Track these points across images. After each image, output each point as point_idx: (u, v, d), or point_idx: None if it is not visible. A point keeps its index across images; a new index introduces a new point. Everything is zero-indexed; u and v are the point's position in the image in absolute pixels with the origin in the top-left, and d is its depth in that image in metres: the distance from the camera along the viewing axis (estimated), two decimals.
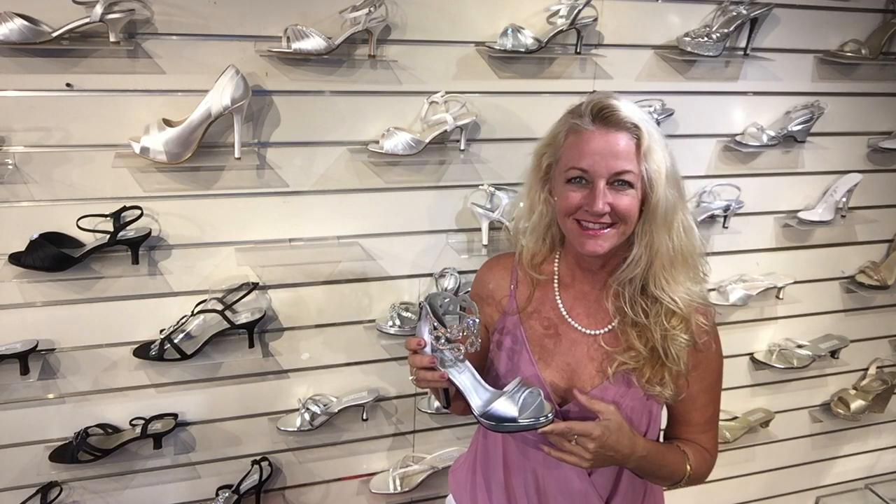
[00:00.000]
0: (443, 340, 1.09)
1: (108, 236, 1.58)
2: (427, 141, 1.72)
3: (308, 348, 1.90)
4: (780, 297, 2.22)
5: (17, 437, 1.73)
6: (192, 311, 1.70)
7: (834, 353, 2.37)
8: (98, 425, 1.76)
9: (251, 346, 1.77)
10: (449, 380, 1.10)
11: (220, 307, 1.70)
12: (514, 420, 1.07)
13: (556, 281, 1.26)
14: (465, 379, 1.12)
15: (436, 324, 1.09)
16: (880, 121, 2.22)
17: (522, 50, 1.72)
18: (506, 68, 1.81)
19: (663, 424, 1.32)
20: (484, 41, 1.76)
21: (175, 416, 1.81)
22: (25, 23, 1.42)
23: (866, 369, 2.55)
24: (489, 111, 1.82)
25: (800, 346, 2.31)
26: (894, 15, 2.09)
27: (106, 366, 1.74)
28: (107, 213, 1.59)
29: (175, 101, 1.59)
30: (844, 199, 2.19)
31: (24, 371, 1.61)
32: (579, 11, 1.73)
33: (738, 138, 2.05)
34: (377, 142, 1.73)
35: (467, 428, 2.11)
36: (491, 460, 1.34)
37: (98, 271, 1.66)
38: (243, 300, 1.74)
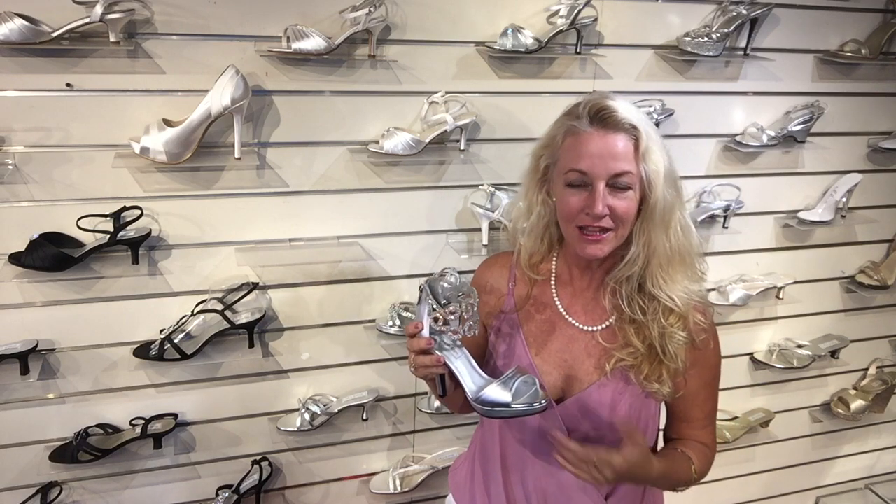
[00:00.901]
0: (441, 323, 1.09)
1: (108, 236, 1.58)
2: (427, 141, 1.72)
3: (308, 348, 1.90)
4: (780, 297, 2.22)
5: (17, 437, 1.73)
6: (192, 311, 1.70)
7: (834, 353, 2.37)
8: (98, 425, 1.76)
9: (251, 346, 1.77)
10: (445, 365, 1.10)
11: (220, 307, 1.70)
12: (507, 405, 1.07)
13: (553, 279, 1.26)
14: (461, 364, 1.13)
15: (435, 305, 1.09)
16: (880, 121, 2.22)
17: (522, 50, 1.72)
18: (506, 68, 1.81)
19: (661, 423, 1.32)
20: (484, 41, 1.76)
21: (175, 416, 1.81)
22: (25, 23, 1.42)
23: (866, 369, 2.55)
24: (489, 111, 1.82)
25: (800, 346, 2.31)
26: (894, 15, 2.09)
27: (106, 366, 1.74)
28: (107, 213, 1.59)
29: (175, 101, 1.59)
30: (844, 199, 2.19)
31: (24, 371, 1.61)
32: (579, 11, 1.73)
33: (738, 138, 2.05)
34: (377, 142, 1.73)
35: (467, 428, 2.11)
36: (489, 459, 1.34)
37: (98, 271, 1.66)
38: (243, 300, 1.74)
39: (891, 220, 2.36)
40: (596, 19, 1.80)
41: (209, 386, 1.84)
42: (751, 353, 2.36)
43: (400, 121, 1.77)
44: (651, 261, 1.14)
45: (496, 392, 1.09)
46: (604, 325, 1.22)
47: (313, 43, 1.58)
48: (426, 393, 2.01)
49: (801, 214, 2.19)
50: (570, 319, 1.23)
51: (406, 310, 1.87)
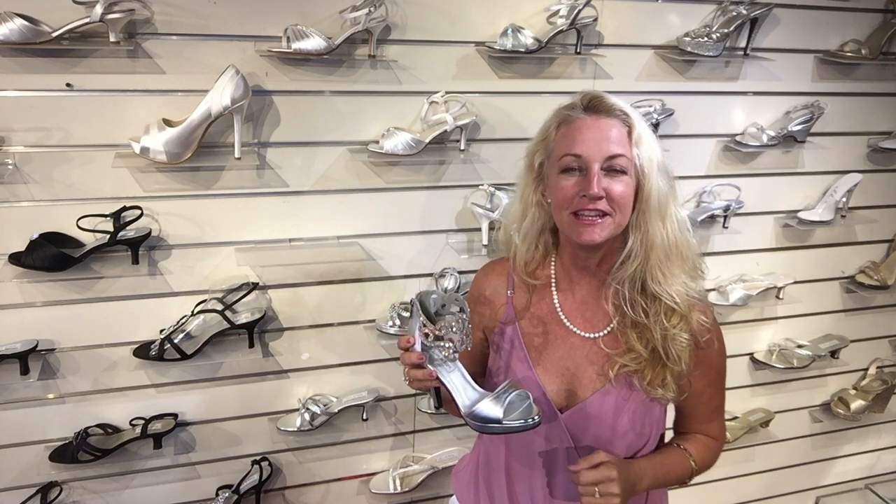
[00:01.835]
0: (431, 338, 1.08)
1: (108, 236, 1.58)
2: (427, 141, 1.72)
3: (308, 348, 1.90)
4: (780, 297, 2.22)
5: (17, 437, 1.73)
6: (192, 311, 1.70)
7: (834, 353, 2.37)
8: (98, 425, 1.76)
9: (251, 346, 1.77)
10: (438, 379, 1.09)
11: (220, 307, 1.70)
12: (498, 421, 1.06)
13: (553, 285, 1.25)
14: (455, 378, 1.11)
15: (424, 321, 1.08)
16: (880, 121, 2.22)
17: (522, 50, 1.72)
18: (506, 68, 1.81)
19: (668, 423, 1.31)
20: (484, 41, 1.76)
21: (175, 416, 1.81)
22: (25, 23, 1.42)
23: (866, 369, 2.55)
24: (489, 111, 1.82)
25: (800, 346, 2.31)
26: (894, 15, 2.09)
27: (106, 366, 1.74)
28: (107, 213, 1.59)
29: (175, 101, 1.59)
30: (844, 199, 2.19)
31: (24, 371, 1.61)
32: (579, 11, 1.73)
33: (738, 138, 2.05)
34: (377, 142, 1.73)
35: (468, 428, 2.09)
36: (493, 468, 1.33)
37: (98, 271, 1.66)
38: (243, 300, 1.74)
39: (891, 220, 2.36)
40: (596, 19, 1.80)
41: (209, 386, 1.84)
42: (751, 353, 2.36)
43: (400, 121, 1.77)
44: (650, 255, 1.13)
45: (488, 407, 1.07)
46: (606, 331, 1.20)
47: (313, 43, 1.58)
48: (425, 393, 2.01)
49: (801, 214, 2.19)
50: (572, 327, 1.22)
51: (406, 310, 1.87)
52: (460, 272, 1.91)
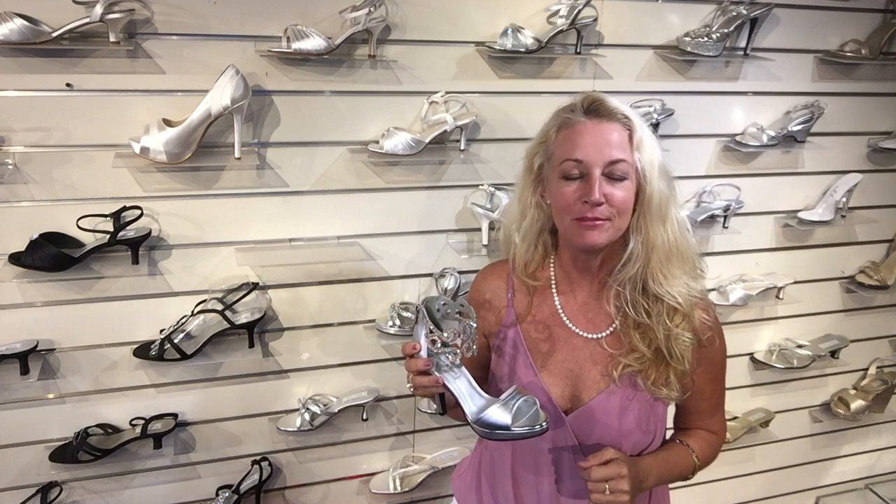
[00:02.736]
0: (438, 345, 1.07)
1: (108, 236, 1.58)
2: (427, 141, 1.72)
3: (308, 348, 1.90)
4: (780, 297, 2.22)
5: (17, 437, 1.73)
6: (192, 311, 1.70)
7: (834, 353, 2.37)
8: (98, 425, 1.76)
9: (251, 346, 1.77)
10: (444, 385, 1.09)
11: (220, 307, 1.70)
12: (507, 428, 1.06)
13: (553, 286, 1.24)
14: (461, 385, 1.11)
15: (432, 328, 1.08)
16: (880, 121, 2.22)
17: (522, 50, 1.72)
18: (506, 68, 1.81)
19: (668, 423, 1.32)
20: (484, 41, 1.76)
21: (175, 416, 1.81)
22: (25, 23, 1.41)
23: (866, 369, 2.55)
24: (489, 111, 1.82)
25: (800, 346, 2.31)
26: (894, 15, 2.09)
27: (106, 366, 1.74)
28: (107, 213, 1.59)
29: (175, 101, 1.59)
30: (844, 199, 2.19)
31: (24, 371, 1.61)
32: (579, 11, 1.73)
33: (738, 138, 2.05)
34: (377, 142, 1.73)
35: (468, 428, 2.08)
36: (498, 471, 1.32)
37: (98, 271, 1.66)
38: (243, 300, 1.73)
39: (891, 220, 2.36)
40: (596, 19, 1.80)
41: (209, 386, 1.84)
42: (751, 353, 2.36)
43: (400, 121, 1.77)
44: (651, 257, 1.13)
45: (497, 413, 1.07)
46: (608, 332, 1.20)
47: (313, 43, 1.58)
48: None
49: (801, 214, 2.19)
50: (574, 328, 1.21)
51: (406, 310, 1.87)
52: (460, 272, 1.91)
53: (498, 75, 1.81)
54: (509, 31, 1.71)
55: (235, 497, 1.86)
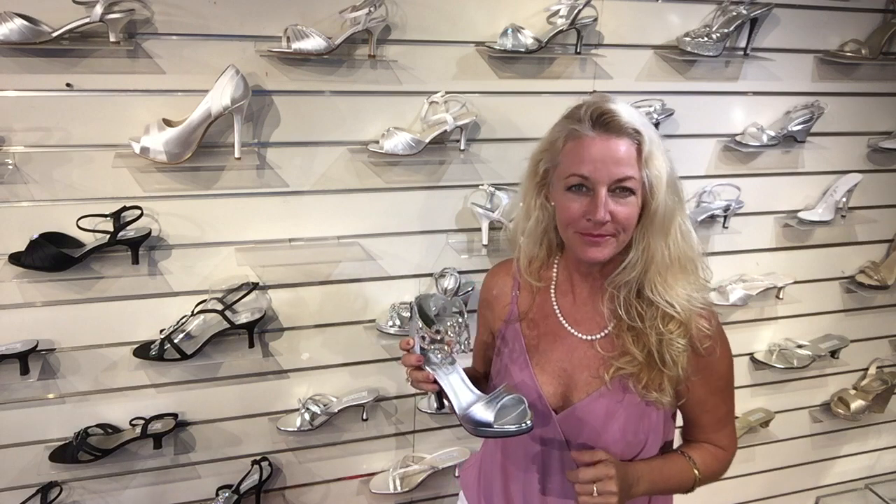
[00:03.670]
0: (428, 341, 1.09)
1: (108, 236, 1.59)
2: (427, 141, 1.72)
3: (308, 348, 1.90)
4: (780, 297, 2.22)
5: (17, 437, 1.73)
6: (192, 311, 1.70)
7: (834, 353, 2.37)
8: (98, 425, 1.76)
9: (251, 346, 1.77)
10: (436, 381, 1.10)
11: (220, 307, 1.70)
12: (489, 425, 1.07)
13: (553, 287, 1.25)
14: (452, 380, 1.12)
15: (420, 324, 1.09)
16: (880, 121, 2.22)
17: (522, 50, 1.72)
18: (506, 68, 1.81)
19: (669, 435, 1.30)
20: (484, 41, 1.76)
21: (175, 416, 1.81)
22: (25, 23, 1.41)
23: (866, 369, 2.55)
24: (489, 111, 1.82)
25: (800, 346, 2.31)
26: (894, 15, 2.09)
27: (106, 366, 1.74)
28: (107, 213, 1.59)
29: (175, 101, 1.59)
30: (844, 199, 2.19)
31: (24, 371, 1.61)
32: (579, 11, 1.73)
33: (738, 138, 2.05)
34: (377, 142, 1.73)
35: None
36: (491, 467, 1.34)
37: (98, 271, 1.66)
38: (243, 300, 1.74)
39: (891, 220, 2.36)
40: (596, 19, 1.80)
41: (209, 386, 1.84)
42: (751, 353, 2.36)
43: (400, 121, 1.77)
44: (650, 267, 1.13)
45: (480, 411, 1.08)
46: (602, 334, 1.20)
47: (313, 43, 1.58)
48: (426, 393, 2.01)
49: (801, 214, 2.19)
50: (570, 329, 1.22)
51: (406, 310, 1.87)
52: (460, 272, 1.91)
53: (498, 75, 1.81)
54: (509, 31, 1.71)
55: (235, 497, 1.86)
